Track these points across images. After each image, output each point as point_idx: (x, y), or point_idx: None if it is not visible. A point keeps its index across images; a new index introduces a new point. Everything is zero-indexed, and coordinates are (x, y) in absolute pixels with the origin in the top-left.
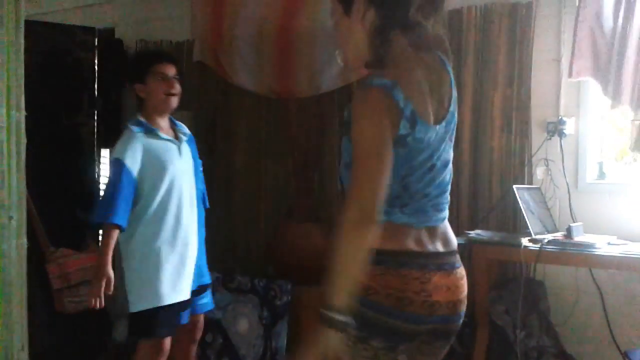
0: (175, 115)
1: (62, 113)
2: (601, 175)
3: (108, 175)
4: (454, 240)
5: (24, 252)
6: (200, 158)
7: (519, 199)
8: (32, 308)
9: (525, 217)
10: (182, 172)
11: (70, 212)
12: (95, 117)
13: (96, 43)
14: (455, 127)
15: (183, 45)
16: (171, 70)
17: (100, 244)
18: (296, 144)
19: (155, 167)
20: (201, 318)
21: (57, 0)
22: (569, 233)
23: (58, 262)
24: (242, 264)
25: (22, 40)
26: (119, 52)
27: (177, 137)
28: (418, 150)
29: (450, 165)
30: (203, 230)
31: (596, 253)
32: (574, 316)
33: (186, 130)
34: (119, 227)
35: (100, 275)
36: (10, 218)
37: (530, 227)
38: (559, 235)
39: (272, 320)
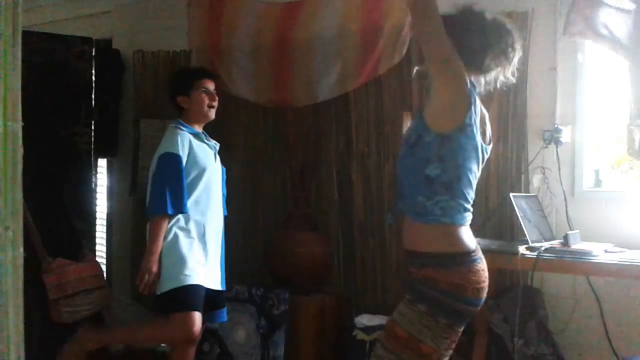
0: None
1: (59, 123)
2: (597, 183)
3: (162, 169)
4: None
5: (21, 263)
6: None
7: (515, 207)
8: (29, 318)
9: (522, 225)
10: (215, 174)
11: (67, 222)
12: (93, 127)
13: (93, 53)
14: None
15: (180, 55)
16: (212, 85)
17: (149, 232)
18: (293, 153)
19: (197, 165)
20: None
21: (54, 10)
22: (566, 241)
23: (55, 273)
24: (240, 273)
25: (19, 51)
26: (117, 62)
27: None
28: (471, 146)
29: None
30: (223, 236)
31: (593, 261)
32: (572, 323)
33: (214, 141)
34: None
35: (151, 263)
36: (7, 228)
37: (527, 235)
38: (556, 243)
39: (270, 329)
